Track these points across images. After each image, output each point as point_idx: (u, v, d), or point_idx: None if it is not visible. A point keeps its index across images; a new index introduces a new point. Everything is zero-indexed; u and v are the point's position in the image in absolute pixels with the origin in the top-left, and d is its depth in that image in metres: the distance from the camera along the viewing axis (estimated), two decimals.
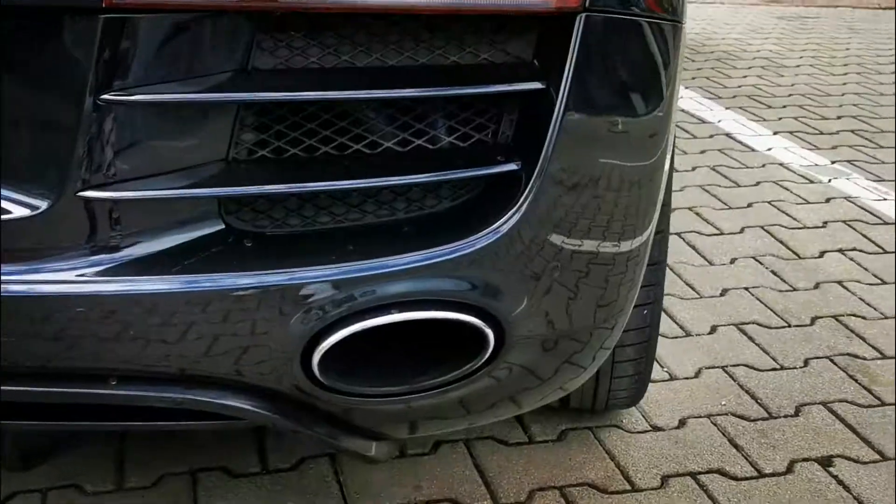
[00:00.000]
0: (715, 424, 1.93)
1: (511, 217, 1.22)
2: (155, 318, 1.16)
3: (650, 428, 1.91)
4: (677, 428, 1.92)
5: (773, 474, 1.79)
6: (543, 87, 1.21)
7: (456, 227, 1.23)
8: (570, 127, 1.22)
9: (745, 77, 5.08)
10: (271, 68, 1.17)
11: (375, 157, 1.23)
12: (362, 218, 1.24)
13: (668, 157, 1.38)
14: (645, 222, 1.35)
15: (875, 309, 2.43)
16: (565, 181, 1.24)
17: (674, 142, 1.44)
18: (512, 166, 1.23)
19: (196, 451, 1.79)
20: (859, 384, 2.09)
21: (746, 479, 1.77)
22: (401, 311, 1.21)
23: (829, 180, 3.40)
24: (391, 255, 1.20)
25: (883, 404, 2.02)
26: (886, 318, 2.39)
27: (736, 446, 1.87)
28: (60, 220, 1.14)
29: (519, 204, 1.22)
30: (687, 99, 4.50)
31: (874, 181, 3.42)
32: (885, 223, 3.01)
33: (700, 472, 1.79)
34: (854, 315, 2.40)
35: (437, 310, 1.22)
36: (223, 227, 1.19)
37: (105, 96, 1.09)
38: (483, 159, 1.24)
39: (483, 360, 1.28)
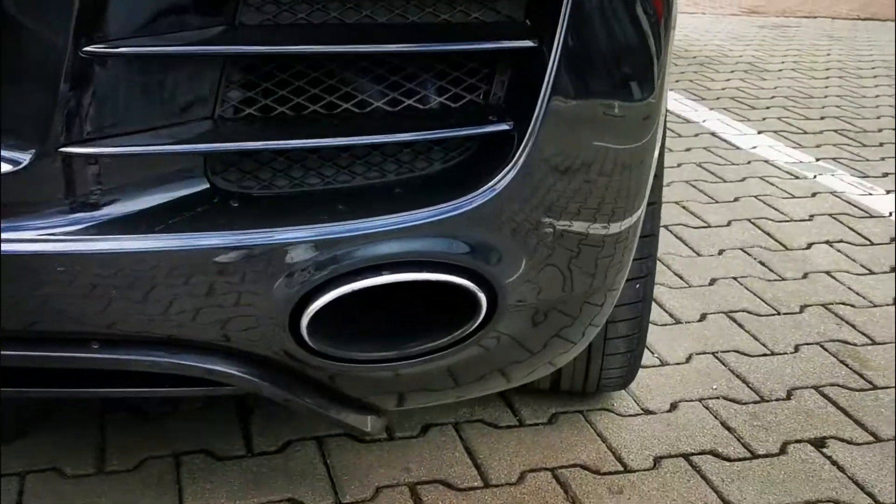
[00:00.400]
0: (707, 408, 1.91)
1: (504, 177, 1.19)
2: (138, 278, 1.13)
3: (641, 411, 1.89)
4: (669, 411, 1.89)
5: (766, 455, 1.76)
6: (535, 45, 1.19)
7: (448, 188, 1.20)
8: (562, 86, 1.20)
9: (728, 80, 5.09)
10: (258, 23, 1.14)
11: (365, 116, 1.20)
12: (352, 180, 1.22)
13: (662, 122, 1.36)
14: (639, 186, 1.33)
15: (864, 298, 2.42)
16: (558, 141, 1.22)
17: (665, 113, 1.42)
18: (504, 126, 1.21)
19: (179, 435, 1.75)
20: (850, 369, 2.07)
21: (740, 459, 1.75)
22: (392, 273, 1.18)
23: (815, 176, 3.40)
24: (382, 215, 1.17)
25: (875, 388, 2.00)
26: (876, 306, 2.38)
27: (728, 428, 1.84)
28: (41, 176, 1.10)
29: (511, 164, 1.20)
30: (671, 100, 4.50)
31: (859, 177, 3.42)
32: (872, 216, 3.01)
33: (693, 454, 1.76)
34: (843, 303, 2.39)
35: (428, 272, 1.19)
36: (208, 186, 1.16)
37: (88, 49, 1.06)
38: (474, 119, 1.22)
39: (474, 326, 1.25)
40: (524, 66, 1.22)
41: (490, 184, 1.19)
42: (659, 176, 1.53)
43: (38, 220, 1.11)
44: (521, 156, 1.20)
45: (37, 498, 1.58)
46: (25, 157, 1.09)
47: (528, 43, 1.19)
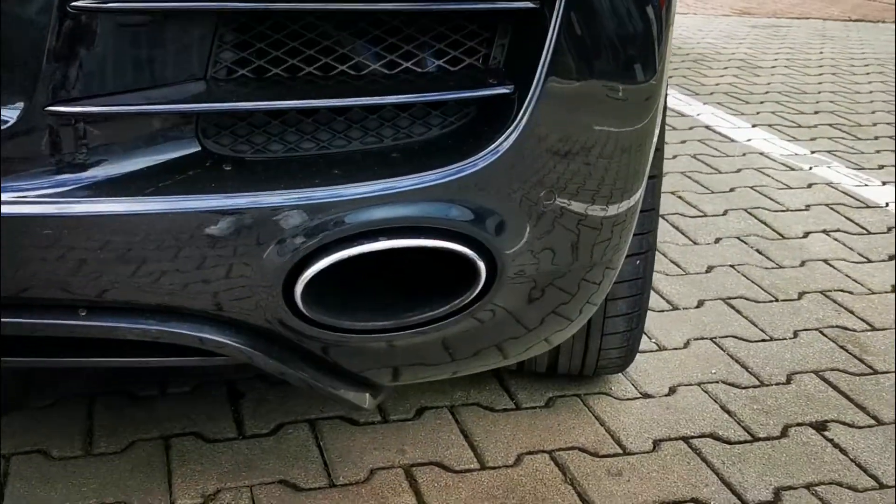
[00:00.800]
0: (706, 392, 1.88)
1: (504, 141, 1.16)
2: (127, 243, 1.09)
3: (640, 395, 1.86)
4: (667, 395, 1.86)
5: (767, 438, 1.73)
6: (537, 7, 1.16)
7: (447, 153, 1.17)
8: (564, 49, 1.17)
9: (721, 76, 5.08)
10: None
11: (361, 78, 1.17)
12: (348, 145, 1.18)
13: (663, 92, 1.33)
14: (641, 156, 1.30)
15: (862, 285, 2.40)
16: (559, 105, 1.19)
17: (667, 84, 1.39)
18: (504, 89, 1.17)
19: (168, 418, 1.71)
20: (850, 354, 2.04)
21: (740, 442, 1.72)
22: (389, 239, 1.15)
23: (810, 168, 3.38)
24: (379, 179, 1.14)
25: (876, 372, 1.97)
26: (874, 293, 2.36)
27: (728, 412, 1.81)
28: (27, 136, 1.07)
29: (512, 128, 1.17)
30: None
31: (855, 169, 3.40)
32: (868, 206, 2.99)
33: (692, 437, 1.73)
34: (841, 290, 2.36)
35: (426, 238, 1.15)
36: (200, 150, 1.13)
37: (76, 3, 1.03)
38: (474, 83, 1.19)
39: (473, 296, 1.21)
40: (525, 29, 1.18)
41: (490, 148, 1.16)
42: (660, 149, 1.50)
43: (23, 181, 1.07)
44: (521, 120, 1.17)
45: (22, 480, 1.54)
46: (11, 117, 1.05)
47: (529, 4, 1.16)
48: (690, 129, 3.87)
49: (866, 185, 3.20)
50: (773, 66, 5.42)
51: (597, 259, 1.36)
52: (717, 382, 1.92)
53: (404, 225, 1.15)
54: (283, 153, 1.16)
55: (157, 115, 1.10)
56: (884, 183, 3.25)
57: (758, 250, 2.59)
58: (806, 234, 2.72)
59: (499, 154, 1.16)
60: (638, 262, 1.54)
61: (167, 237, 1.10)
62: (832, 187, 3.17)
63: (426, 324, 1.23)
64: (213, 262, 1.12)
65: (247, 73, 1.14)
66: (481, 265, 1.19)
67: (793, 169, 3.36)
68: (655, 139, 1.38)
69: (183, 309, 1.15)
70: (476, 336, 1.31)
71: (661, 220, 2.75)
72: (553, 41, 1.16)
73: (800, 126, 4.01)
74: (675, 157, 3.44)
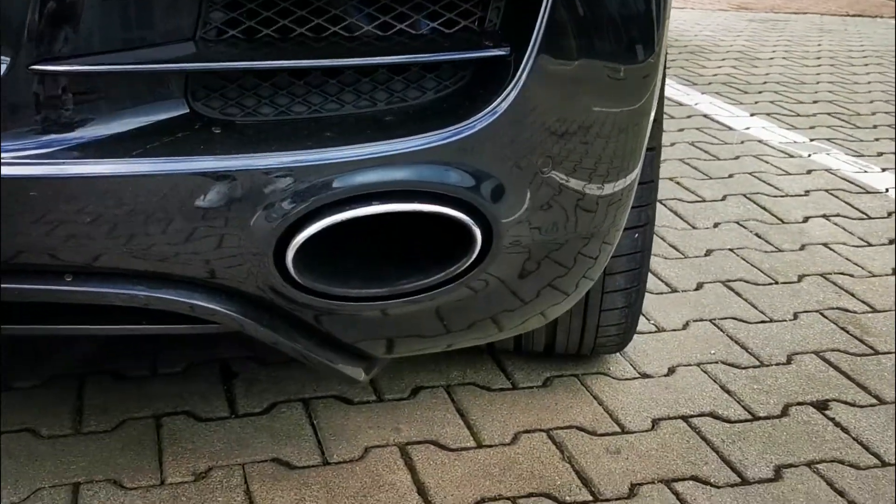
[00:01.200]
0: (705, 372, 1.85)
1: (499, 105, 1.13)
2: (113, 206, 1.06)
3: (638, 375, 1.83)
4: (666, 375, 1.84)
5: (767, 417, 1.71)
6: None
7: (442, 116, 1.14)
8: (560, 9, 1.14)
9: (719, 67, 5.05)
10: None
11: (354, 40, 1.14)
12: (341, 109, 1.16)
13: (663, 56, 1.31)
14: (639, 122, 1.28)
15: (862, 268, 2.37)
16: (556, 68, 1.17)
17: (666, 51, 1.37)
18: (500, 52, 1.15)
19: (159, 397, 1.68)
20: (851, 335, 2.02)
21: (740, 421, 1.69)
22: (382, 203, 1.12)
23: (809, 155, 3.36)
24: (371, 141, 1.11)
25: (877, 353, 1.95)
26: (874, 276, 2.33)
27: (728, 392, 1.79)
28: (11, 95, 1.04)
29: (507, 92, 1.14)
30: None
31: (854, 156, 3.37)
32: (868, 192, 2.96)
33: (692, 416, 1.70)
34: (842, 273, 2.34)
35: (419, 202, 1.13)
36: (189, 111, 1.10)
37: None
38: (469, 45, 1.16)
39: (468, 264, 1.19)
40: None
41: (486, 111, 1.13)
42: (658, 121, 1.48)
43: (7, 141, 1.04)
44: (517, 82, 1.14)
45: (11, 458, 1.51)
46: None
47: None
48: (689, 117, 3.85)
49: (866, 172, 3.18)
50: (772, 58, 5.40)
51: (594, 230, 1.34)
52: (717, 363, 1.89)
53: (398, 189, 1.12)
54: (274, 116, 1.13)
55: (144, 75, 1.08)
56: (883, 169, 3.22)
57: (757, 234, 2.57)
58: (805, 219, 2.70)
59: (494, 117, 1.13)
60: (636, 235, 1.52)
61: (154, 200, 1.07)
62: (831, 173, 3.14)
63: (420, 292, 1.20)
64: (202, 226, 1.09)
65: (237, 35, 1.11)
66: (476, 231, 1.16)
67: (791, 156, 3.34)
68: (654, 108, 1.35)
69: (172, 275, 1.12)
70: (471, 307, 1.28)
71: (659, 205, 2.73)
72: (549, 2, 1.14)
73: (798, 115, 3.99)
74: (673, 144, 3.41)
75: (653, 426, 1.67)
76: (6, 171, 1.03)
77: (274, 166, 1.08)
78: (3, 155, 1.03)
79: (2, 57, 1.03)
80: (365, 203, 1.11)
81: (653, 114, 1.35)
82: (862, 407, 1.75)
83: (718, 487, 1.51)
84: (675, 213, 2.71)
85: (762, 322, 2.07)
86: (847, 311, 2.14)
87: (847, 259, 2.43)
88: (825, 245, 2.52)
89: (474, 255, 1.19)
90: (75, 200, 1.05)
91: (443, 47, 1.15)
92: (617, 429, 1.66)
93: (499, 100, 1.14)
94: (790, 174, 3.12)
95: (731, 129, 3.69)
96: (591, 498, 1.47)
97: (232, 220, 1.09)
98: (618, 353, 1.88)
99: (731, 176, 3.06)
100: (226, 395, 1.71)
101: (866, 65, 5.30)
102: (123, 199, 1.06)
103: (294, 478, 1.49)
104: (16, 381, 1.70)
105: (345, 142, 1.11)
